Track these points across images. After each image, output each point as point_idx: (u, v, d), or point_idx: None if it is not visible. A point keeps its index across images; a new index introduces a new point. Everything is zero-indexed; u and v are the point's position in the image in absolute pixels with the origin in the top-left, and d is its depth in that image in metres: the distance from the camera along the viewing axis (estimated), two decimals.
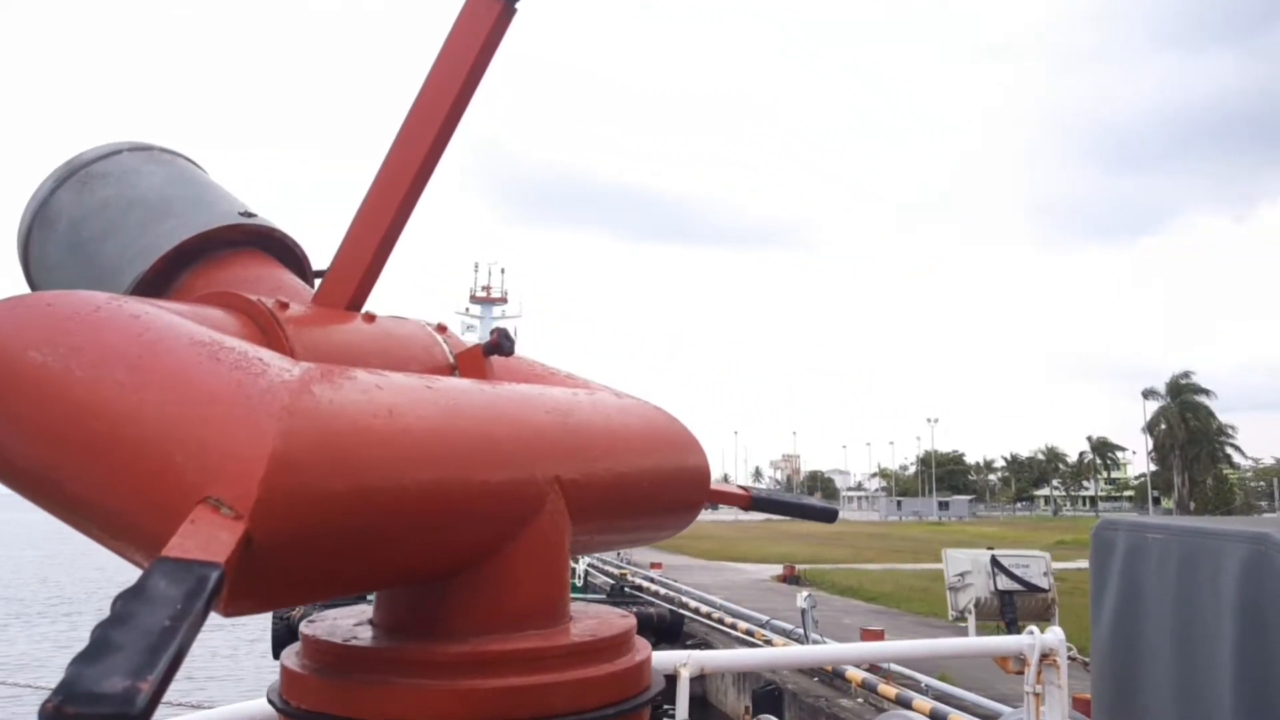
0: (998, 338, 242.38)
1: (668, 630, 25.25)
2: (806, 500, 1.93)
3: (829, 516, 1.93)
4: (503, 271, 42.27)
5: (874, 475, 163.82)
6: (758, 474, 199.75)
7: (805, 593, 20.56)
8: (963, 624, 18.89)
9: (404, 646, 1.18)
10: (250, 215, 1.59)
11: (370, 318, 1.42)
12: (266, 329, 1.28)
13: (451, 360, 1.46)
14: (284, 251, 1.64)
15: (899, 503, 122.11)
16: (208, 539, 0.84)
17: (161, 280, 1.49)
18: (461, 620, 1.19)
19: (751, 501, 1.76)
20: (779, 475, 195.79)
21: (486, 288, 40.68)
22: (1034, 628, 3.69)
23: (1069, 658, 3.64)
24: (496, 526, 1.18)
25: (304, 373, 1.03)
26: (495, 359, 1.51)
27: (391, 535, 1.06)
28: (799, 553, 47.12)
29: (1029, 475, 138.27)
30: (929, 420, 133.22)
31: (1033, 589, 18.04)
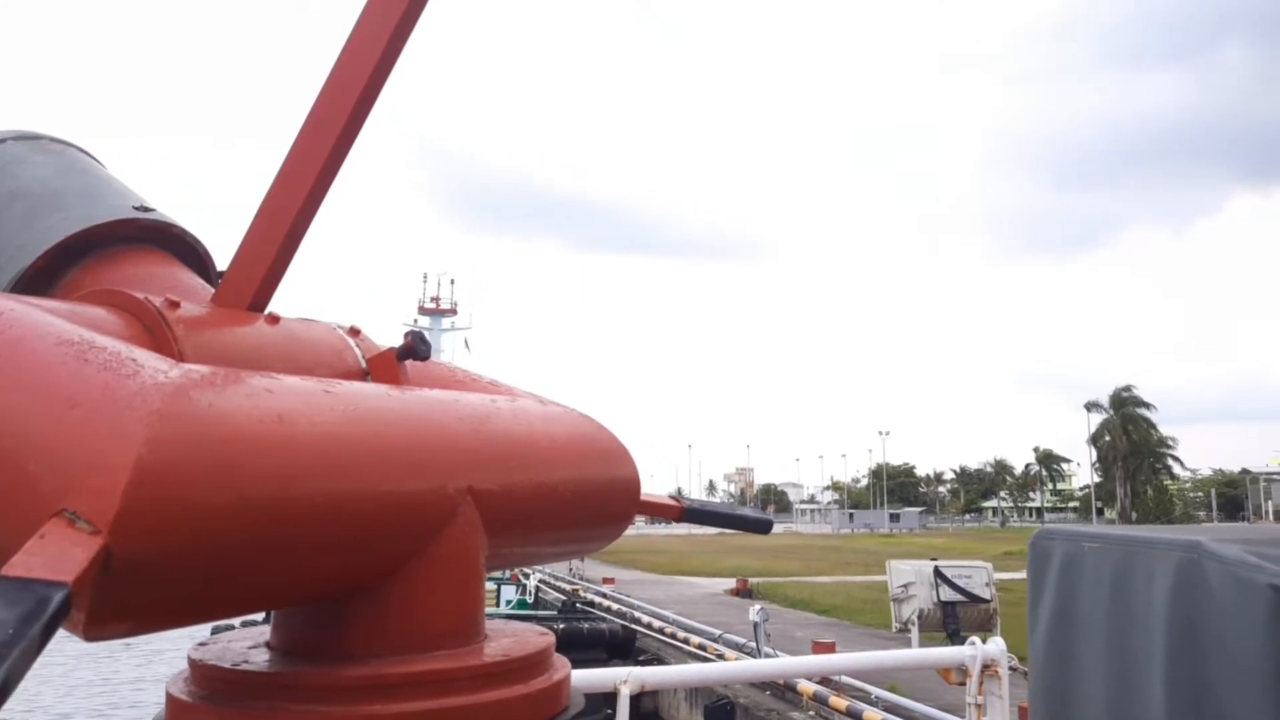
0: (949, 350, 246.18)
1: (619, 646, 25.14)
2: (740, 511, 1.86)
3: (763, 528, 1.86)
4: (452, 282, 41.86)
5: (827, 488, 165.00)
6: (711, 487, 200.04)
7: (757, 606, 20.59)
8: (907, 635, 19.04)
9: (299, 670, 1.09)
10: (147, 209, 1.48)
11: (273, 319, 1.31)
12: (153, 330, 1.18)
13: (364, 365, 1.36)
14: (184, 249, 1.52)
15: (851, 515, 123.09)
16: (57, 556, 0.76)
17: (45, 278, 1.37)
18: (363, 641, 1.10)
19: (684, 513, 1.68)
20: (732, 488, 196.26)
21: (436, 299, 40.26)
22: (976, 638, 3.69)
23: (1011, 668, 3.64)
24: (400, 541, 1.10)
25: (183, 375, 0.94)
26: (413, 364, 1.42)
27: (280, 552, 0.97)
28: (752, 566, 47.27)
29: (978, 487, 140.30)
30: (880, 433, 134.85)
31: (975, 599, 18.25)
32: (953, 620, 18.17)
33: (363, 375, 1.34)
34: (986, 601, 18.41)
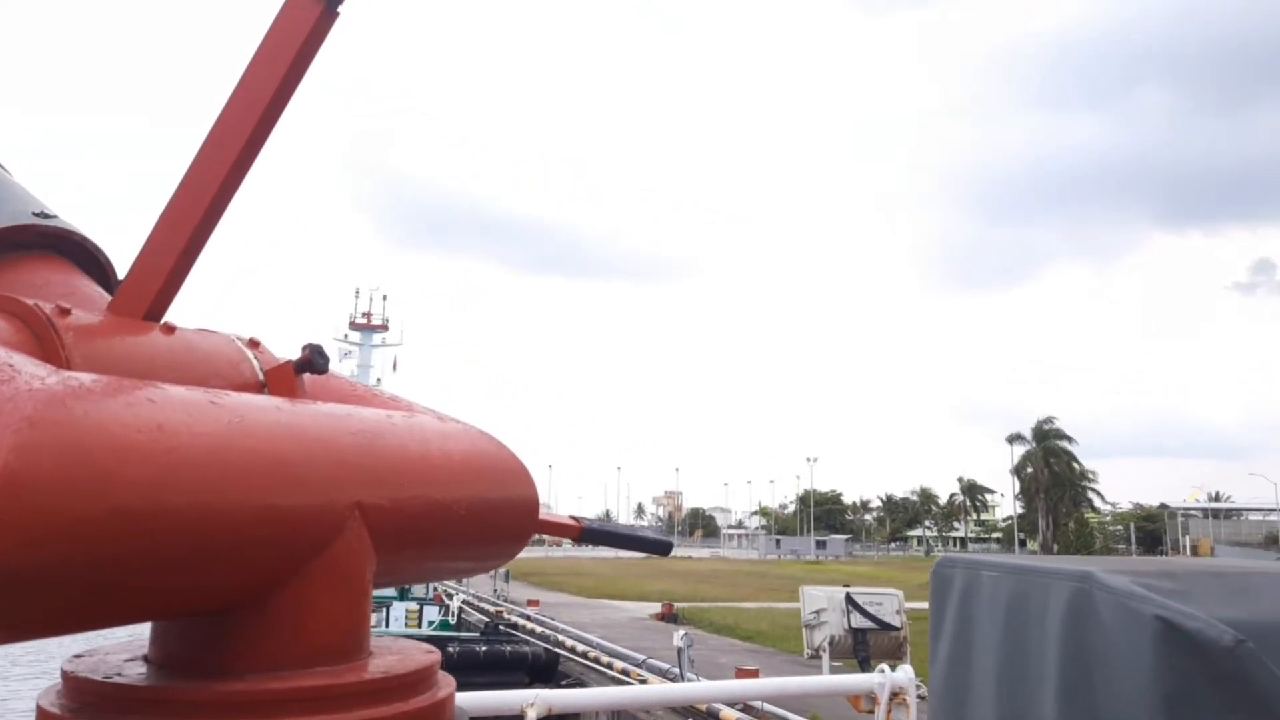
0: (878, 379, 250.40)
1: (542, 669, 24.91)
2: (639, 533, 1.87)
3: (662, 549, 1.87)
4: (385, 298, 41.20)
5: (754, 513, 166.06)
6: (640, 510, 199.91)
7: (682, 631, 20.57)
8: (819, 661, 19.21)
9: (172, 685, 1.07)
10: (47, 216, 1.45)
11: (169, 329, 1.29)
12: (42, 337, 1.15)
13: (261, 377, 1.34)
14: (84, 256, 1.48)
15: (778, 541, 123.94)
16: None
17: None
18: (241, 657, 1.08)
19: (582, 533, 1.69)
20: (661, 512, 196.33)
21: (367, 314, 39.62)
22: (885, 666, 3.75)
23: (919, 696, 3.69)
24: (282, 555, 1.08)
25: (60, 383, 0.92)
26: (313, 378, 1.40)
27: (154, 563, 0.95)
28: (678, 591, 47.27)
29: (903, 516, 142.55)
30: (809, 460, 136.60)
31: (886, 627, 18.46)
32: (863, 647, 18.36)
33: (259, 388, 1.33)
34: (897, 629, 18.65)
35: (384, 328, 39.58)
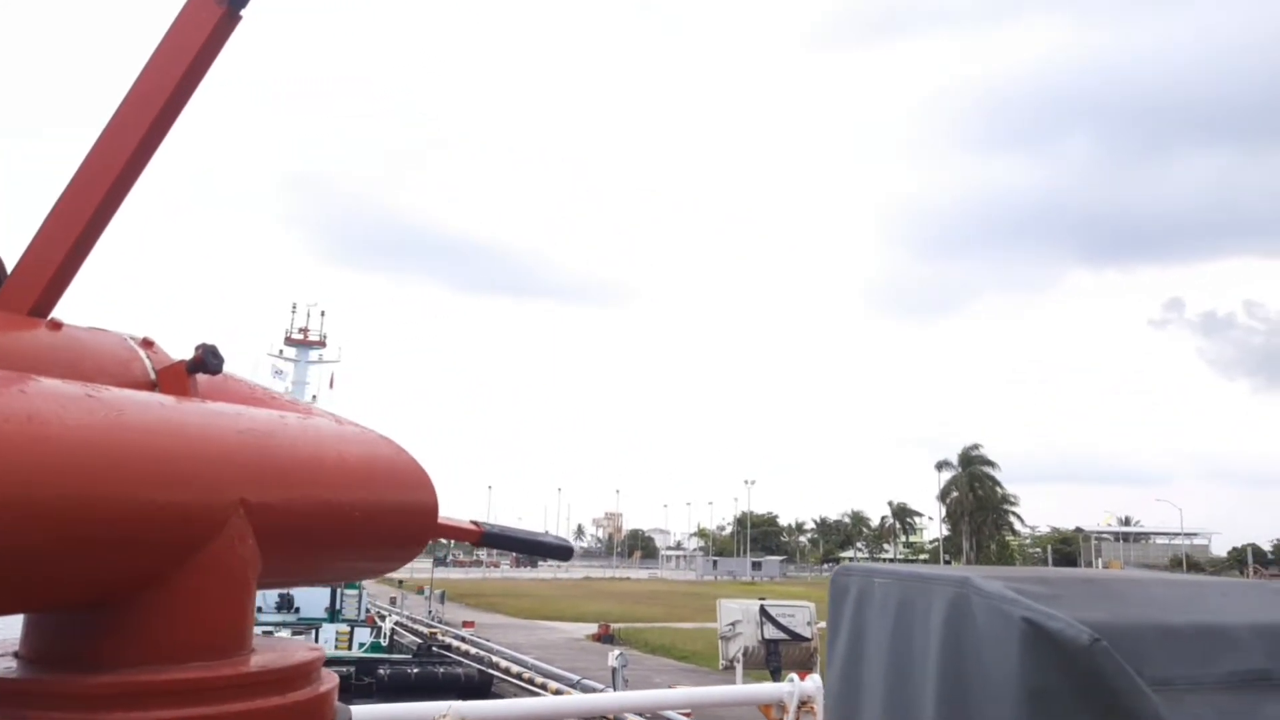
0: (815, 404, 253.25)
1: (475, 690, 24.59)
2: (539, 537, 1.94)
3: (563, 554, 1.94)
4: (322, 314, 40.27)
5: (693, 534, 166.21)
6: (580, 531, 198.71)
7: (617, 651, 20.54)
8: (733, 671, 19.35)
9: (41, 678, 1.07)
10: None
11: (55, 325, 1.28)
12: None
13: (153, 376, 1.34)
14: None
15: (715, 562, 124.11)
16: None
17: None
18: (116, 651, 1.09)
19: (483, 537, 1.72)
20: (601, 533, 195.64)
21: (304, 329, 38.83)
22: (794, 676, 3.90)
23: (826, 705, 3.85)
24: (160, 550, 1.09)
25: None
26: (210, 380, 1.40)
27: (22, 556, 0.95)
28: (615, 611, 47.09)
29: (836, 537, 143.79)
30: (746, 482, 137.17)
31: (797, 638, 18.67)
32: (775, 658, 18.55)
33: (151, 386, 1.33)
34: (808, 640, 18.90)
35: (321, 344, 38.89)
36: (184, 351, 1.39)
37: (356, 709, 3.46)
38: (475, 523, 1.73)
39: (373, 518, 1.39)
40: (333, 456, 1.35)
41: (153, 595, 1.10)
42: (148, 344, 1.39)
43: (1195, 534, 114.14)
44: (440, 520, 1.57)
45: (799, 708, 3.70)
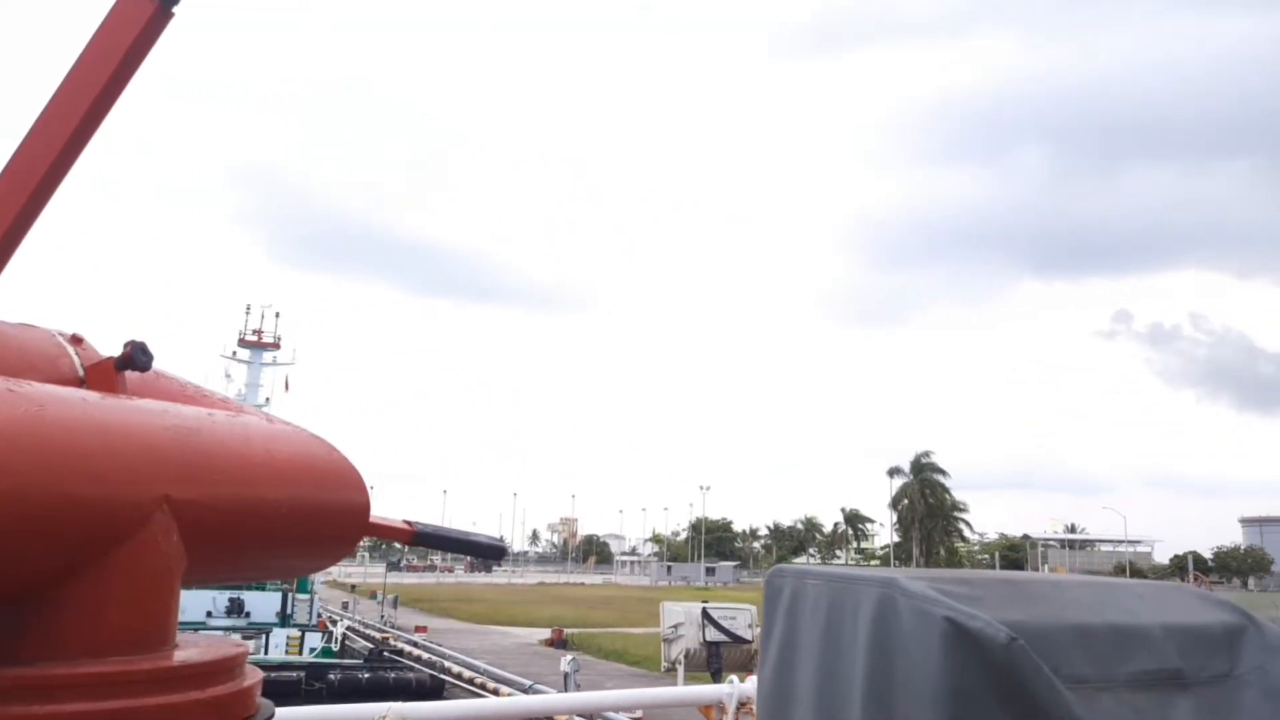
0: (770, 411, 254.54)
1: (427, 696, 24.43)
2: (472, 536, 1.95)
3: (495, 554, 1.94)
4: (277, 315, 39.58)
5: (648, 540, 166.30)
6: (535, 536, 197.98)
7: (569, 656, 20.59)
8: (674, 673, 19.49)
9: None
10: None
11: None
12: None
13: (81, 373, 1.34)
14: None
15: (669, 567, 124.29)
16: None
17: None
18: (33, 645, 1.08)
19: (415, 536, 1.71)
20: (556, 538, 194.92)
21: (258, 331, 38.17)
22: (734, 677, 3.97)
23: None
24: (79, 545, 1.09)
25: None
26: (140, 377, 1.40)
27: None
28: (568, 616, 47.01)
29: (789, 543, 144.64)
30: (701, 488, 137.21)
31: (738, 640, 18.82)
32: (716, 660, 18.70)
33: (79, 383, 1.32)
34: (748, 642, 19.07)
35: (275, 346, 38.25)
36: (119, 349, 1.37)
37: (297, 710, 3.46)
38: (408, 522, 1.73)
39: (302, 516, 1.38)
40: (261, 454, 1.34)
41: (72, 589, 1.10)
42: (76, 340, 1.39)
43: (1139, 541, 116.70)
44: (372, 519, 1.56)
45: (738, 709, 3.77)
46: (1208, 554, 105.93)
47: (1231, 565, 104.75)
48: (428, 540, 1.74)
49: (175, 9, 1.32)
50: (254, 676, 1.26)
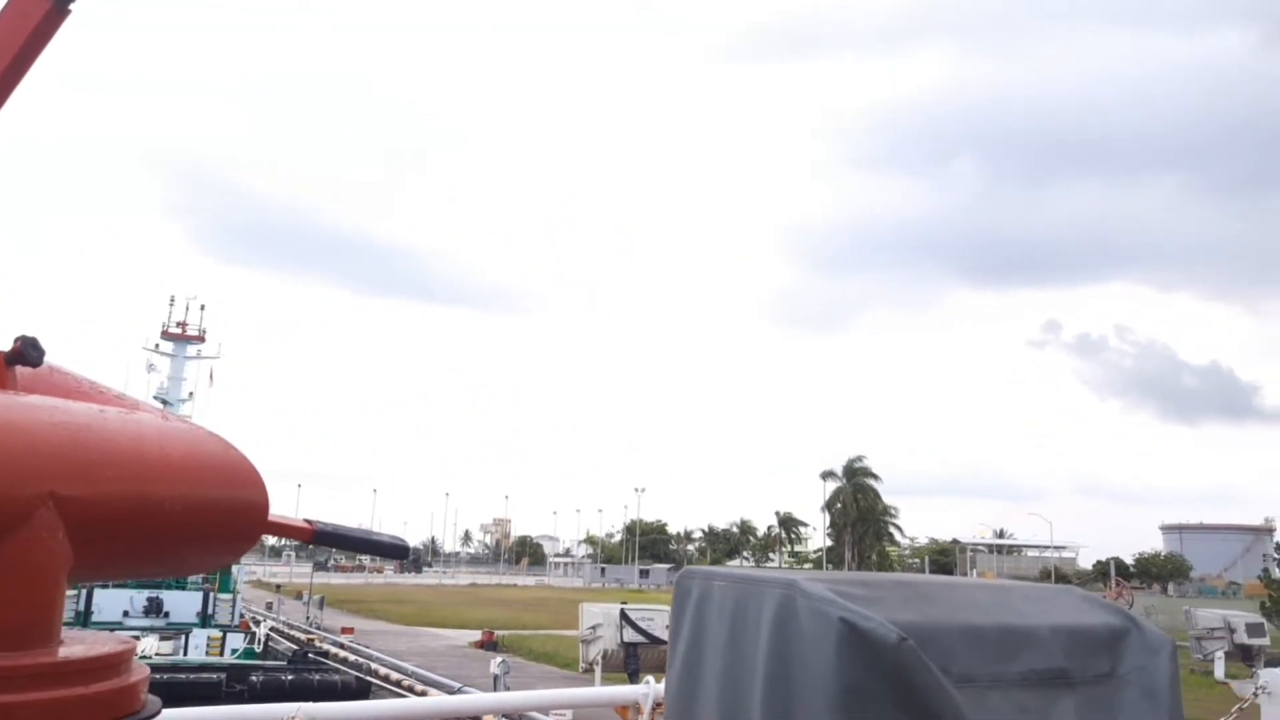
0: (707, 413, 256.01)
1: (352, 698, 24.09)
2: (374, 536, 1.94)
3: (399, 553, 1.94)
4: (202, 308, 38.55)
5: (582, 542, 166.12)
6: (467, 537, 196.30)
7: (499, 659, 20.47)
8: (591, 674, 19.56)
9: None
10: None
11: None
12: None
13: None
14: None
15: (603, 570, 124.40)
16: None
17: None
18: None
19: (315, 535, 1.68)
20: (489, 539, 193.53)
21: (182, 324, 37.16)
22: (650, 678, 4.02)
23: None
24: None
25: None
26: (34, 373, 1.37)
27: None
28: (500, 618, 46.72)
29: (724, 546, 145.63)
30: (637, 490, 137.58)
31: (655, 641, 18.94)
32: (633, 660, 18.82)
33: None
34: (665, 643, 19.17)
35: (200, 339, 37.32)
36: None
37: (205, 710, 3.41)
38: (308, 521, 1.72)
39: (196, 513, 1.37)
40: (154, 451, 1.33)
41: None
42: None
43: (1064, 547, 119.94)
44: (271, 518, 1.56)
45: (654, 709, 3.82)
46: (1129, 560, 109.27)
47: (1152, 571, 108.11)
48: (328, 539, 1.73)
49: (71, 6, 1.31)
50: (140, 673, 1.26)
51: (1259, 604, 50.69)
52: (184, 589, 29.48)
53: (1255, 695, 5.34)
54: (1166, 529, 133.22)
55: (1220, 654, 16.93)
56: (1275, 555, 52.28)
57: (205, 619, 29.22)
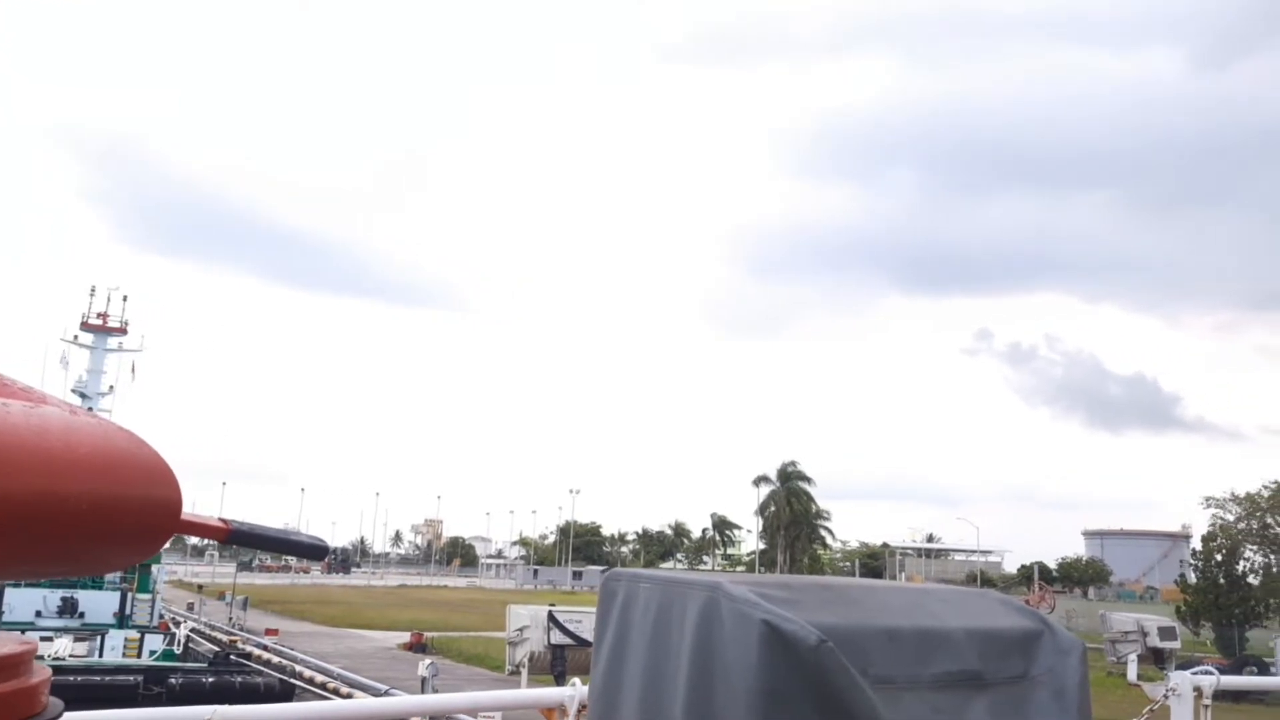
0: (644, 416, 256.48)
1: (276, 700, 23.63)
2: (293, 536, 1.91)
3: (317, 554, 1.92)
4: (124, 299, 37.37)
5: (515, 543, 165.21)
6: (398, 537, 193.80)
7: (427, 661, 20.27)
8: (518, 676, 19.50)
9: None
10: None
11: None
12: None
13: None
14: None
15: (536, 571, 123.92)
16: None
17: None
18: None
19: (230, 535, 1.73)
20: (420, 539, 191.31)
21: (103, 315, 36.09)
22: (577, 680, 4.01)
23: None
24: None
25: None
26: None
27: None
28: (429, 620, 46.25)
29: (658, 548, 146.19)
30: (571, 491, 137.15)
31: (583, 643, 18.93)
32: (560, 662, 18.80)
33: None
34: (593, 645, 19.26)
35: (122, 331, 36.23)
36: None
37: (112, 713, 3.32)
38: (223, 520, 1.69)
39: (103, 511, 1.31)
40: (59, 446, 1.28)
41: None
42: None
43: (990, 551, 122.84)
44: (184, 516, 1.53)
45: (579, 711, 3.81)
46: (1053, 564, 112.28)
47: (1074, 575, 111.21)
48: (244, 539, 1.69)
49: None
50: (41, 674, 1.22)
51: (1175, 608, 52.68)
52: (100, 588, 28.66)
53: (1165, 697, 5.52)
54: (1088, 534, 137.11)
55: (1133, 656, 17.53)
56: (1191, 561, 54.22)
57: (122, 619, 28.46)
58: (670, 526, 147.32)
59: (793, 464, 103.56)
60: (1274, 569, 48.21)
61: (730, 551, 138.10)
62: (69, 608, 27.98)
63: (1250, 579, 48.11)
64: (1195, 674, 5.66)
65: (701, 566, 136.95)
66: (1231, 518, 49.60)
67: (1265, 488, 48.76)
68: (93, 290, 36.31)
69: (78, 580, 27.61)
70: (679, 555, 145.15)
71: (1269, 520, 48.27)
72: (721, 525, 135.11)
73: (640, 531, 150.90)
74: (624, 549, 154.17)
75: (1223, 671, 6.46)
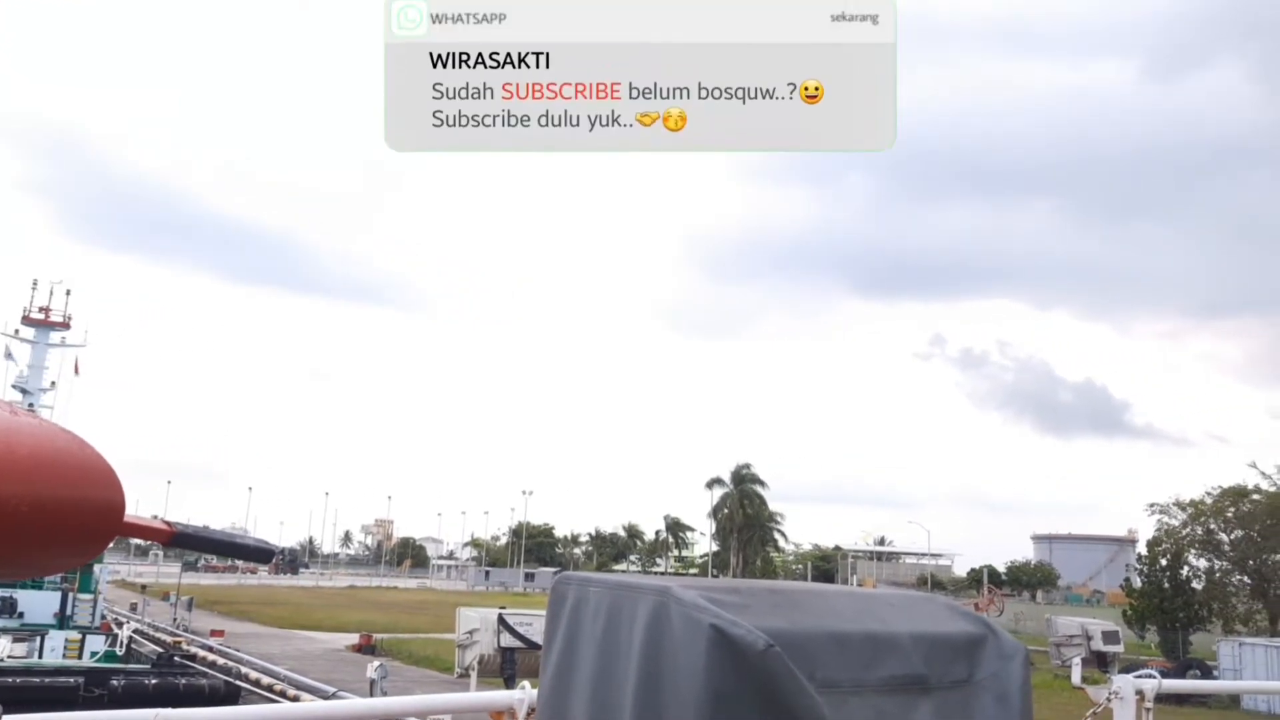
0: (597, 418, 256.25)
1: (221, 703, 23.25)
2: (238, 539, 1.91)
3: (263, 557, 1.91)
4: (68, 293, 36.60)
5: (467, 544, 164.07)
6: (347, 538, 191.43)
7: (376, 663, 20.07)
8: (467, 679, 19.41)
9: None
10: None
11: None
12: None
13: None
14: None
15: (487, 573, 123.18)
16: None
17: None
18: None
19: (174, 538, 1.72)
20: (370, 540, 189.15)
21: (45, 309, 35.32)
22: (526, 683, 4.00)
23: None
24: None
25: None
26: None
27: None
28: (378, 621, 45.75)
29: (611, 550, 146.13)
30: (524, 492, 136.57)
31: (533, 646, 18.89)
32: (510, 665, 18.74)
33: None
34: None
35: (64, 325, 35.37)
36: None
37: (50, 716, 3.25)
38: (167, 522, 1.68)
39: (43, 513, 1.33)
40: None
41: None
42: None
43: (940, 555, 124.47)
44: (127, 519, 1.52)
45: (528, 715, 3.80)
46: (1002, 568, 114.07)
47: (1022, 579, 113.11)
48: (189, 542, 1.69)
49: None
50: None
51: (1121, 612, 53.81)
52: (40, 588, 27.95)
53: (1109, 700, 5.63)
54: (1037, 538, 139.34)
55: (1078, 660, 17.86)
56: (1136, 565, 55.42)
57: (63, 620, 27.79)
58: (624, 528, 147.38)
59: (746, 466, 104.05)
60: (1217, 574, 49.40)
61: (684, 554, 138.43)
62: (7, 608, 27.28)
63: (1194, 584, 49.26)
64: (1138, 677, 5.77)
65: (655, 569, 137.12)
66: (1177, 523, 50.73)
67: (1209, 493, 49.94)
68: (34, 284, 35.44)
69: (16, 580, 27.01)
70: (633, 557, 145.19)
71: (1213, 526, 49.43)
72: (675, 527, 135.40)
73: (594, 533, 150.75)
74: (577, 550, 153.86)
75: (1166, 675, 6.62)
